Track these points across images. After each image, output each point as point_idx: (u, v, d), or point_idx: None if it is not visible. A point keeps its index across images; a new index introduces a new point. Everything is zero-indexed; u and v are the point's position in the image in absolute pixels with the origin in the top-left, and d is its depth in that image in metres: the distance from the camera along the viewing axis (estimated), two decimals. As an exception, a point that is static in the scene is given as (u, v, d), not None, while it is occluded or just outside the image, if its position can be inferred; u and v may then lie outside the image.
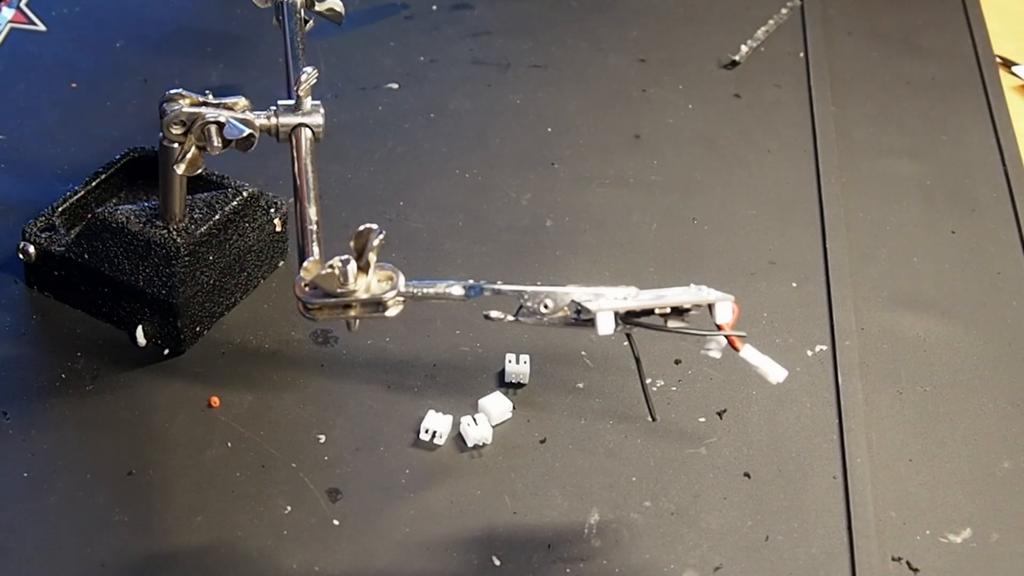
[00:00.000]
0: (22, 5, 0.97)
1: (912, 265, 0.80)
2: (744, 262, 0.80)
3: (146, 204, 0.71)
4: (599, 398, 0.70)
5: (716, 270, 0.79)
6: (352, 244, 0.57)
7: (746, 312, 0.61)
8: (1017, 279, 0.80)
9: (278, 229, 0.75)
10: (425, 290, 0.59)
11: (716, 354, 0.59)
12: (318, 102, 0.65)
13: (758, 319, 0.75)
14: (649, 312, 0.59)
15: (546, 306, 0.60)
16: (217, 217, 0.70)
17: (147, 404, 0.68)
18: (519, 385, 0.70)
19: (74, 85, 0.91)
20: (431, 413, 0.67)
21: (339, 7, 0.75)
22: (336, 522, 0.63)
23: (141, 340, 0.71)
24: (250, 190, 0.73)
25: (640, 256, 0.80)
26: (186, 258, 0.68)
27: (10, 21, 0.96)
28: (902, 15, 1.04)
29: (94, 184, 0.74)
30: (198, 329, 0.71)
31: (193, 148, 0.64)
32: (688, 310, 0.59)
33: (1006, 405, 0.71)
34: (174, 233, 0.69)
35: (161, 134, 0.65)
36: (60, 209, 0.73)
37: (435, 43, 0.97)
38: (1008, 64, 0.99)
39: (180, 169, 0.65)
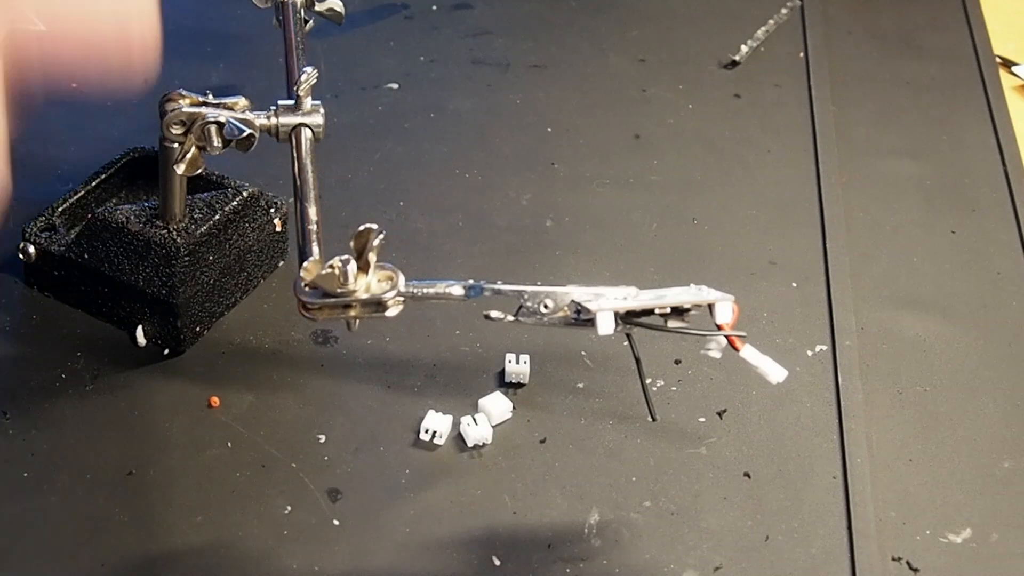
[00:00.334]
0: (22, 5, 0.97)
1: (912, 265, 0.80)
2: (744, 262, 0.80)
3: (146, 204, 0.71)
4: (599, 398, 0.70)
5: (716, 270, 0.79)
6: (352, 244, 0.57)
7: (746, 312, 0.61)
8: (1017, 279, 0.80)
9: (278, 229, 0.75)
10: (425, 290, 0.59)
11: (716, 354, 0.59)
12: (318, 102, 0.65)
13: (758, 319, 0.75)
14: (649, 312, 0.59)
15: (546, 306, 0.60)
16: (217, 217, 0.70)
17: (147, 404, 0.68)
18: (519, 385, 0.70)
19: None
20: (431, 413, 0.67)
21: (339, 7, 0.75)
22: (336, 522, 0.63)
23: (141, 340, 0.71)
24: (250, 190, 0.73)
25: (640, 256, 0.80)
26: (186, 258, 0.68)
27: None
28: (902, 15, 1.04)
29: (94, 184, 0.74)
30: (198, 329, 0.71)
31: (193, 148, 0.64)
32: (688, 310, 0.59)
33: (1006, 405, 0.71)
34: (174, 233, 0.69)
35: (161, 134, 0.65)
36: (60, 209, 0.73)
37: (435, 43, 0.97)
38: (1008, 64, 0.99)
39: (180, 169, 0.65)
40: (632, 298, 0.59)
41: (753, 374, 0.58)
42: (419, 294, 0.59)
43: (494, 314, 0.60)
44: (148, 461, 0.65)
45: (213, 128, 0.64)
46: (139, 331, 0.71)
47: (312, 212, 0.61)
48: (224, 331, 0.72)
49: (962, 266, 0.81)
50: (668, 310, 0.59)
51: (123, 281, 0.69)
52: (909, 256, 0.81)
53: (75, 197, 0.74)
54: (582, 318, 0.59)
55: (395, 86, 0.93)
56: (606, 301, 0.59)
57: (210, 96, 0.65)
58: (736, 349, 0.58)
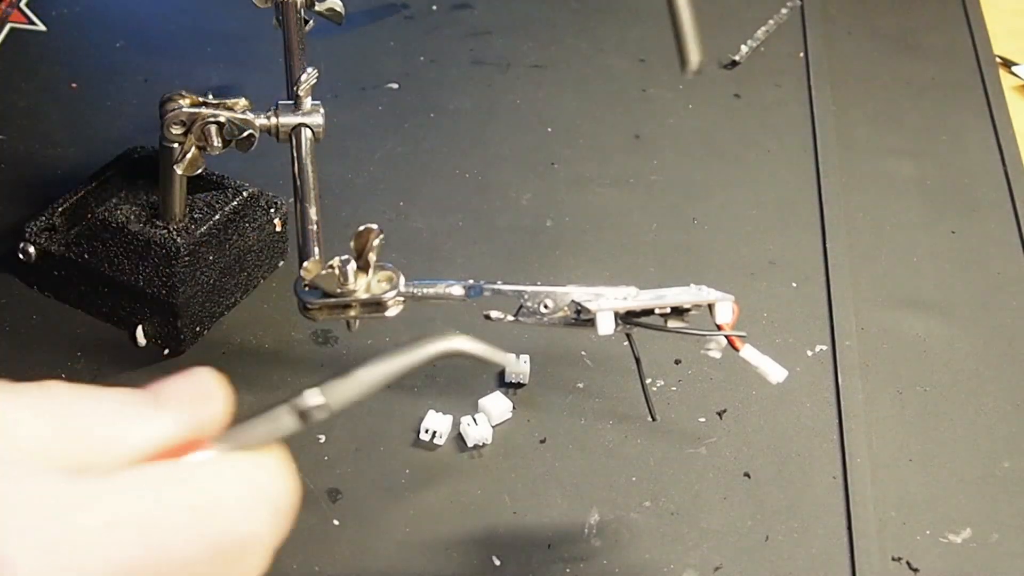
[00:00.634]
0: (22, 5, 0.97)
1: (912, 265, 0.80)
2: (744, 262, 0.80)
3: (146, 204, 0.71)
4: (599, 398, 0.70)
5: (716, 270, 0.79)
6: (352, 244, 0.57)
7: (746, 312, 0.61)
8: (1017, 279, 0.80)
9: (278, 229, 0.75)
10: (425, 290, 0.59)
11: (716, 354, 0.59)
12: (318, 102, 0.65)
13: (758, 319, 0.75)
14: (649, 312, 0.59)
15: (546, 306, 0.60)
16: (217, 217, 0.70)
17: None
18: (519, 385, 0.70)
19: (74, 85, 0.91)
20: (431, 413, 0.67)
21: (339, 7, 0.75)
22: (336, 522, 0.63)
23: (141, 340, 0.71)
24: (250, 190, 0.73)
25: (640, 256, 0.80)
26: (186, 258, 0.68)
27: (10, 21, 0.96)
28: (902, 15, 1.04)
29: (94, 184, 0.74)
30: (198, 329, 0.71)
31: (193, 148, 0.64)
32: (688, 310, 0.59)
33: (1006, 405, 0.71)
34: (174, 233, 0.69)
35: (161, 134, 0.65)
36: (60, 209, 0.73)
37: (435, 43, 0.97)
38: (1008, 64, 0.99)
39: (180, 169, 0.65)
40: (632, 298, 0.59)
41: (753, 374, 0.58)
42: (419, 294, 0.59)
43: (494, 314, 0.60)
44: (148, 461, 0.65)
45: (213, 128, 0.64)
46: (139, 331, 0.71)
47: (312, 212, 0.61)
48: (224, 331, 0.72)
49: (962, 266, 0.81)
50: (668, 310, 0.59)
51: (123, 281, 0.69)
52: (909, 256, 0.81)
53: (75, 197, 0.74)
54: (582, 318, 0.59)
55: (395, 86, 0.93)
56: (606, 301, 0.59)
57: (210, 96, 0.65)
58: (736, 349, 0.58)
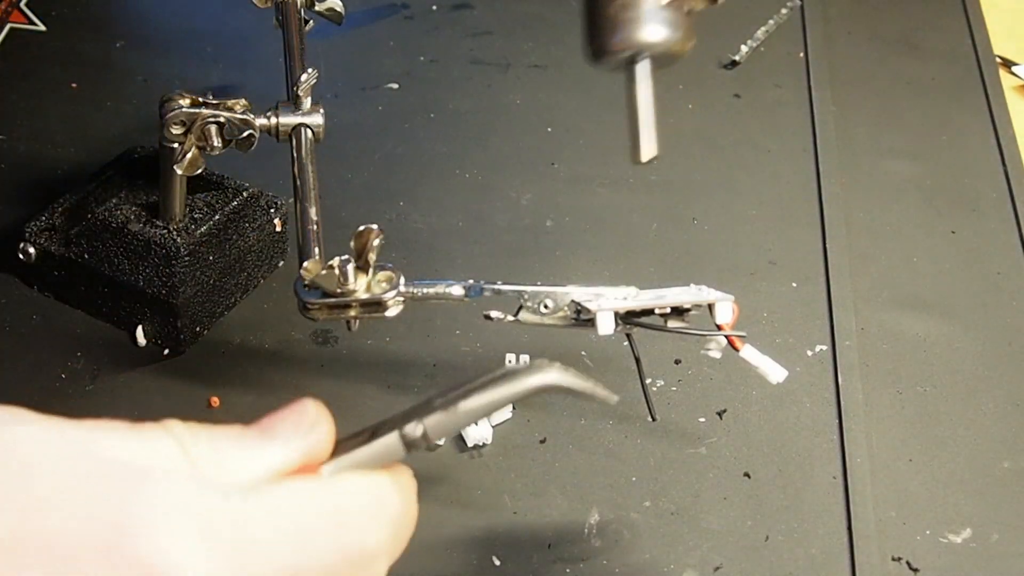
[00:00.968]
0: (22, 5, 0.97)
1: (912, 265, 0.80)
2: (744, 262, 0.80)
3: (146, 204, 0.71)
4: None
5: (716, 270, 0.79)
6: (352, 244, 0.57)
7: (746, 312, 0.61)
8: (1017, 279, 0.80)
9: (278, 229, 0.75)
10: (425, 290, 0.59)
11: (716, 354, 0.59)
12: (318, 102, 0.65)
13: (758, 319, 0.75)
14: (649, 312, 0.59)
15: (546, 306, 0.60)
16: (217, 217, 0.70)
17: (147, 404, 0.68)
18: (519, 385, 0.70)
19: (74, 85, 0.91)
20: (431, 413, 0.67)
21: (339, 7, 0.75)
22: (336, 522, 0.63)
23: (141, 340, 0.71)
24: (250, 190, 0.73)
25: (640, 256, 0.80)
26: (186, 258, 0.68)
27: (10, 21, 0.96)
28: (902, 15, 1.04)
29: (94, 184, 0.74)
30: (198, 329, 0.71)
31: (193, 148, 0.64)
32: (688, 310, 0.59)
33: (1006, 405, 0.71)
34: (174, 233, 0.69)
35: (161, 134, 0.65)
36: (60, 209, 0.73)
37: (435, 43, 0.97)
38: (1008, 64, 0.99)
39: (180, 169, 0.65)
40: (632, 298, 0.59)
41: (753, 374, 0.58)
42: (419, 294, 0.59)
43: (494, 314, 0.60)
44: (148, 461, 0.65)
45: (213, 128, 0.64)
46: (139, 331, 0.71)
47: (312, 212, 0.61)
48: (224, 331, 0.72)
49: (962, 266, 0.81)
50: (668, 310, 0.59)
51: (123, 281, 0.69)
52: (909, 256, 0.81)
53: (75, 197, 0.74)
54: (582, 318, 0.59)
55: (395, 86, 0.93)
56: (606, 301, 0.59)
57: (210, 96, 0.65)
58: (736, 349, 0.58)
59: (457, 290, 0.60)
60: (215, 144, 0.64)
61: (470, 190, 0.84)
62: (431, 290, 0.59)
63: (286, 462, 0.40)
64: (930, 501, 0.66)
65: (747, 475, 0.66)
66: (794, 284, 0.78)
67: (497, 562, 0.62)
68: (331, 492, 0.39)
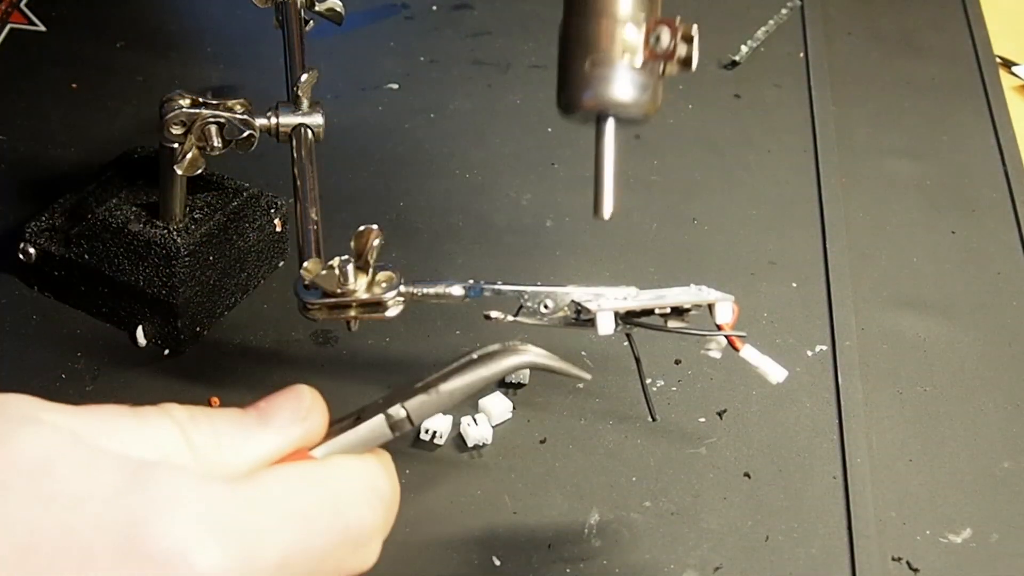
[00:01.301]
0: (22, 5, 0.97)
1: (912, 265, 0.80)
2: (744, 262, 0.80)
3: (146, 204, 0.71)
4: (599, 398, 0.70)
5: (716, 270, 0.79)
6: (352, 244, 0.57)
7: (746, 312, 0.61)
8: (1017, 279, 0.80)
9: (278, 229, 0.75)
10: (425, 290, 0.59)
11: (716, 354, 0.59)
12: (318, 102, 0.65)
13: (758, 319, 0.75)
14: (649, 312, 0.59)
15: (546, 306, 0.60)
16: (217, 217, 0.70)
17: (147, 404, 0.68)
18: (519, 385, 0.70)
19: (74, 85, 0.91)
20: (431, 413, 0.67)
21: (339, 7, 0.75)
22: (336, 522, 0.63)
23: (141, 340, 0.71)
24: (250, 190, 0.73)
25: (640, 256, 0.80)
26: (186, 258, 0.68)
27: (10, 21, 0.96)
28: (902, 15, 1.04)
29: (94, 184, 0.74)
30: (198, 329, 0.71)
31: (193, 148, 0.64)
32: (688, 310, 0.59)
33: (1006, 405, 0.71)
34: (174, 233, 0.69)
35: (161, 134, 0.65)
36: (60, 209, 0.73)
37: (435, 43, 0.97)
38: (1008, 64, 0.99)
39: (180, 169, 0.65)
40: (632, 298, 0.59)
41: (753, 374, 0.58)
42: (419, 294, 0.59)
43: (494, 314, 0.60)
44: (148, 461, 0.65)
45: (213, 128, 0.64)
46: (139, 331, 0.71)
47: (312, 212, 0.61)
48: (224, 331, 0.72)
49: (962, 266, 0.81)
50: (668, 310, 0.59)
51: (123, 281, 0.69)
52: (909, 256, 0.81)
53: (75, 197, 0.74)
54: (582, 318, 0.59)
55: (395, 86, 0.93)
56: (606, 301, 0.59)
57: (210, 96, 0.65)
58: (736, 349, 0.58)
59: (457, 290, 0.60)
60: (215, 144, 0.64)
61: (470, 190, 0.84)
62: (431, 290, 0.59)
63: (282, 447, 0.41)
64: (930, 501, 0.66)
65: (747, 475, 0.66)
66: (794, 284, 0.78)
67: (497, 562, 0.62)
68: (328, 477, 0.41)
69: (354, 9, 0.95)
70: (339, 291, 0.57)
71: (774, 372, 0.58)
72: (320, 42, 0.93)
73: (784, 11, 1.02)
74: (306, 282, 0.57)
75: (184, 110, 0.63)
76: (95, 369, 0.70)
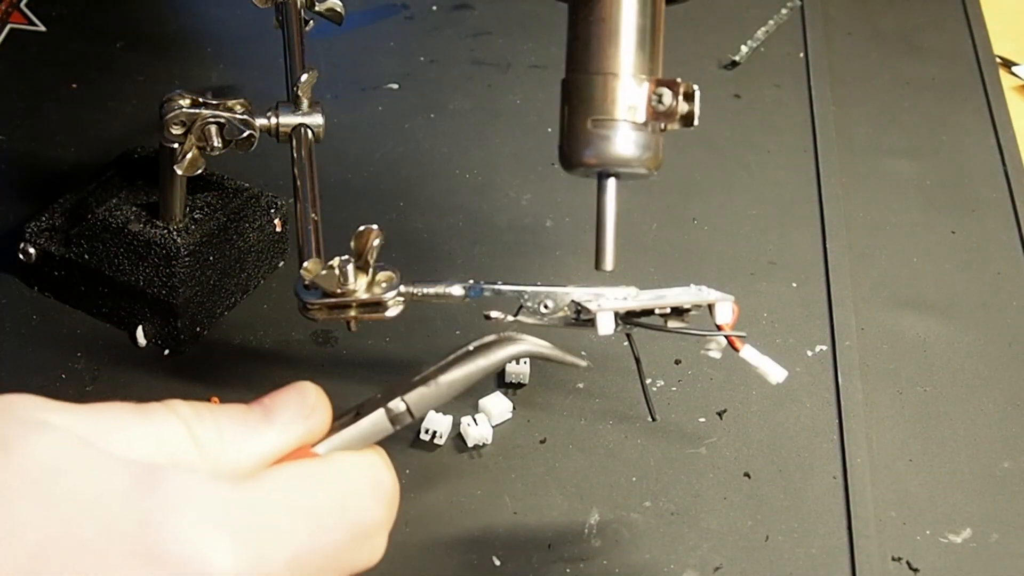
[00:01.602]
0: (22, 5, 0.97)
1: (912, 265, 0.80)
2: (744, 262, 0.80)
3: (146, 204, 0.71)
4: (599, 398, 0.70)
5: (716, 270, 0.79)
6: (352, 244, 0.57)
7: (746, 312, 0.61)
8: (1017, 279, 0.80)
9: (278, 229, 0.75)
10: (425, 290, 0.59)
11: (716, 354, 0.59)
12: (318, 102, 0.65)
13: (758, 319, 0.75)
14: (649, 312, 0.59)
15: (546, 306, 0.60)
16: (217, 217, 0.71)
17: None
18: (519, 385, 0.70)
19: (74, 85, 0.91)
20: (431, 413, 0.67)
21: (339, 7, 0.75)
22: (336, 522, 0.63)
23: (141, 340, 0.71)
24: (250, 190, 0.73)
25: (640, 256, 0.80)
26: (186, 258, 0.68)
27: (10, 21, 0.96)
28: (902, 15, 1.04)
29: (94, 184, 0.74)
30: (198, 329, 0.71)
31: (193, 148, 0.64)
32: (688, 310, 0.59)
33: (1006, 405, 0.71)
34: (174, 233, 0.69)
35: (161, 134, 0.65)
36: (60, 209, 0.73)
37: (435, 43, 0.97)
38: (1008, 64, 0.99)
39: (180, 169, 0.65)
40: (632, 298, 0.60)
41: (753, 374, 0.58)
42: (419, 294, 0.59)
43: (494, 314, 0.60)
44: (148, 461, 0.65)
45: (213, 128, 0.64)
46: (139, 331, 0.71)
47: (312, 212, 0.61)
48: (224, 331, 0.72)
49: (962, 266, 0.81)
50: (668, 310, 0.59)
51: (123, 281, 0.69)
52: (909, 256, 0.81)
53: (75, 197, 0.74)
54: (582, 318, 0.59)
55: (395, 86, 0.93)
56: (606, 301, 0.59)
57: (210, 96, 0.65)
58: (736, 349, 0.58)
59: (457, 290, 0.60)
60: (215, 144, 0.64)
61: (470, 190, 0.84)
62: (431, 290, 0.59)
63: (287, 445, 0.42)
64: (930, 501, 0.66)
65: (747, 475, 0.66)
66: (794, 284, 0.78)
67: (497, 562, 0.62)
68: (334, 474, 0.41)
69: (354, 9, 0.95)
70: (339, 291, 0.57)
71: (774, 372, 0.58)
72: (320, 42, 0.93)
73: (784, 11, 1.02)
74: (306, 282, 0.57)
75: (184, 110, 0.63)
76: (95, 369, 0.70)
